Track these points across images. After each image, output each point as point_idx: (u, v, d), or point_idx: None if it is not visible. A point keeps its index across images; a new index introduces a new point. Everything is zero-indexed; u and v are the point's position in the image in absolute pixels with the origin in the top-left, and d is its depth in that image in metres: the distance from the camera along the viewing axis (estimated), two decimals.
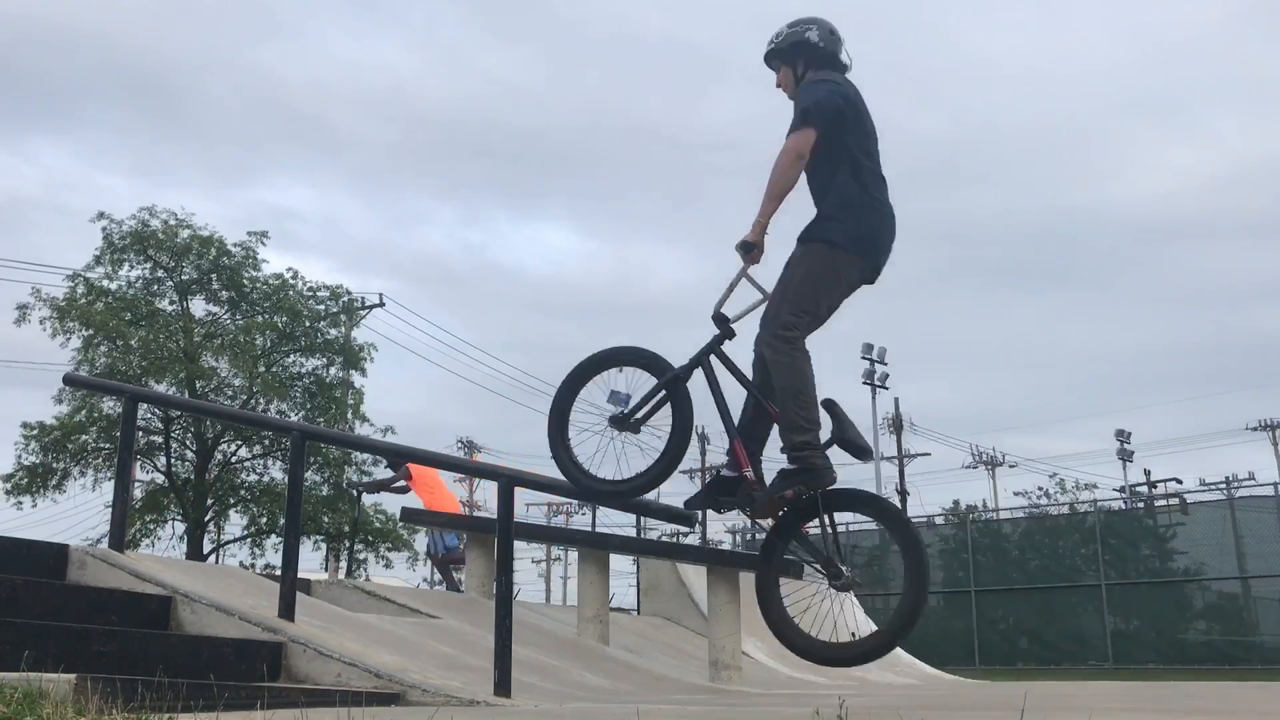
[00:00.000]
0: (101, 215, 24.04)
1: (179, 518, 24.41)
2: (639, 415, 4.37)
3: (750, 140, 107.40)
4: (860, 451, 4.14)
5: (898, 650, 10.76)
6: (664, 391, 4.33)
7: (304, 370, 25.82)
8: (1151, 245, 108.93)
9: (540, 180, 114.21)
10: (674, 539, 32.97)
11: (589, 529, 35.76)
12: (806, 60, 4.44)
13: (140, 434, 22.44)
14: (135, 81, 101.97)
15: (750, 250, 4.21)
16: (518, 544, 6.77)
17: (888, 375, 40.78)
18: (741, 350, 4.39)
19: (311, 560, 27.50)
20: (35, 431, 23.49)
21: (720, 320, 4.38)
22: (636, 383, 4.43)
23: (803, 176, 4.29)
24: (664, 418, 4.35)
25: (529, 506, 47.12)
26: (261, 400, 24.38)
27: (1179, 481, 37.82)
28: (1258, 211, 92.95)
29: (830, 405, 4.14)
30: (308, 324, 25.32)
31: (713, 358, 4.40)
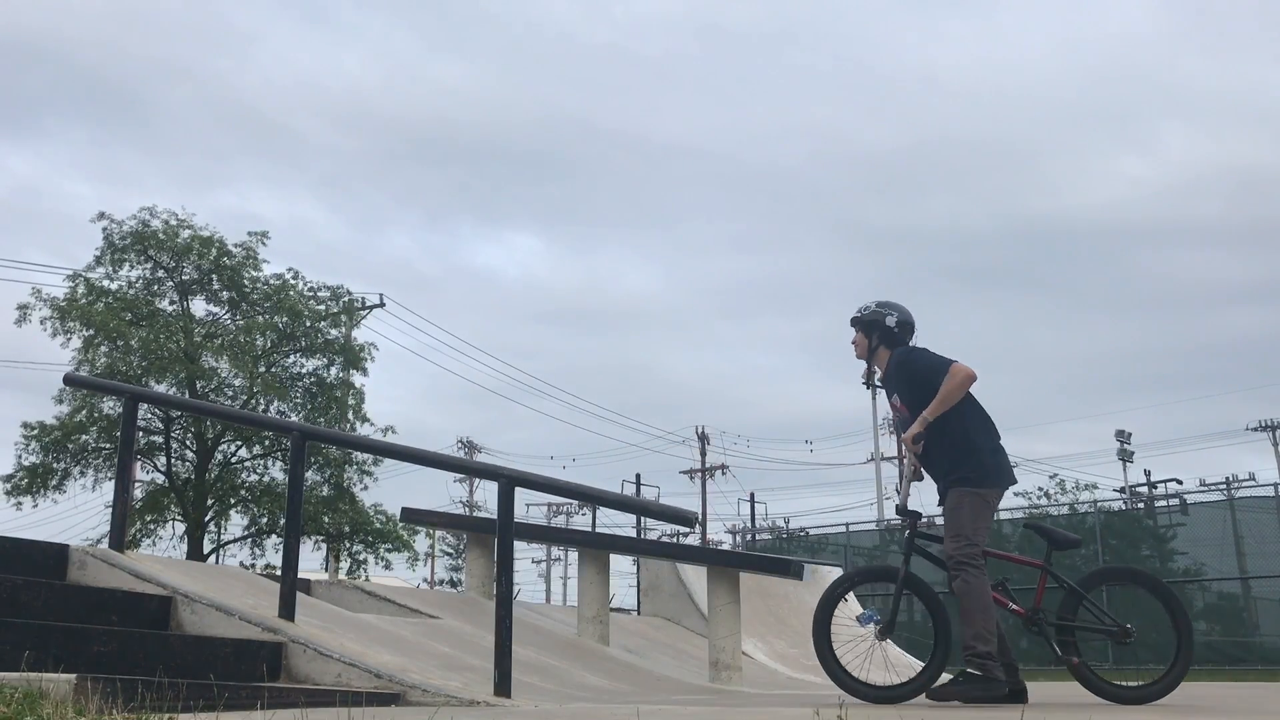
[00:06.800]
0: (102, 215, 24.06)
1: (179, 518, 24.38)
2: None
3: (706, 148, 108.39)
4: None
5: (898, 651, 10.76)
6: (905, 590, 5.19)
7: (304, 370, 25.82)
8: (1150, 247, 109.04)
9: (503, 186, 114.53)
10: (674, 539, 32.96)
11: (589, 529, 35.78)
12: (880, 336, 5.47)
13: (140, 434, 22.42)
14: (96, 93, 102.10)
15: (918, 443, 5.13)
16: (518, 544, 6.78)
17: None
18: None
19: (312, 560, 27.53)
20: (35, 431, 23.47)
21: (912, 514, 5.32)
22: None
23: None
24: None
25: (529, 507, 47.20)
26: (262, 400, 24.36)
27: (1179, 482, 37.77)
28: (1253, 216, 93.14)
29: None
30: (308, 324, 25.31)
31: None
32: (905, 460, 5.39)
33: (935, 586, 5.50)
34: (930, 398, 5.11)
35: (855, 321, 5.55)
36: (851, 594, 5.49)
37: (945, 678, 5.19)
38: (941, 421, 5.12)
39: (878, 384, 5.50)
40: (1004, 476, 5.20)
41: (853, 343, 5.58)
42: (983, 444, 5.16)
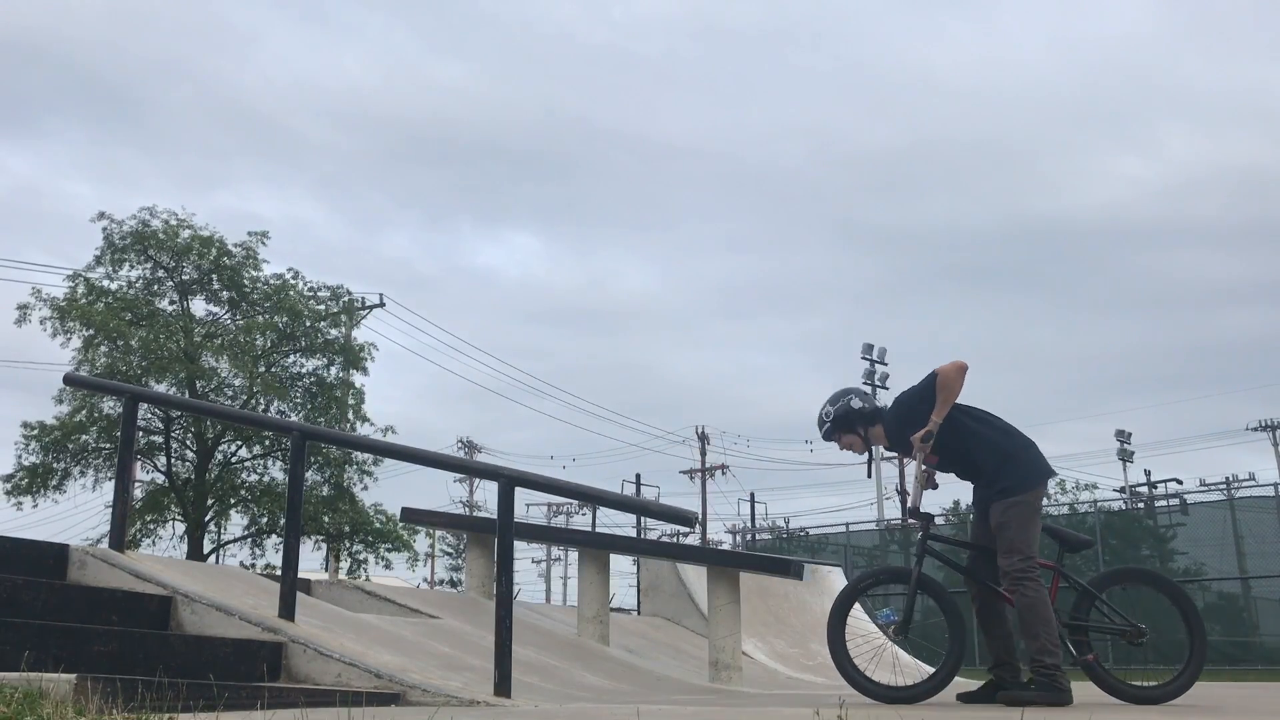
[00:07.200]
0: (102, 215, 24.07)
1: (179, 518, 24.38)
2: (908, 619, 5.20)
3: (705, 148, 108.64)
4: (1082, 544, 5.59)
5: (898, 651, 10.77)
6: (919, 591, 5.16)
7: (304, 370, 25.83)
8: (1150, 247, 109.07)
9: (503, 186, 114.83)
10: (674, 539, 32.96)
11: (589, 529, 35.77)
12: (861, 422, 5.34)
13: (140, 434, 22.40)
14: (96, 93, 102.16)
15: (928, 441, 5.07)
16: (518, 544, 6.78)
17: (888, 375, 40.78)
18: None
19: (312, 560, 27.52)
20: (35, 431, 23.46)
21: (924, 516, 5.34)
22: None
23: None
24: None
25: (529, 507, 47.20)
26: (261, 400, 24.36)
27: (1179, 482, 37.78)
28: (1252, 216, 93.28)
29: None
30: (308, 324, 25.31)
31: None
32: (919, 466, 5.36)
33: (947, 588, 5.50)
34: None
35: (831, 432, 5.40)
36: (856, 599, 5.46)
37: (958, 680, 5.18)
38: (965, 436, 5.14)
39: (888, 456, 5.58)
40: (1041, 472, 5.21)
41: (846, 449, 5.45)
42: (1012, 448, 5.16)
